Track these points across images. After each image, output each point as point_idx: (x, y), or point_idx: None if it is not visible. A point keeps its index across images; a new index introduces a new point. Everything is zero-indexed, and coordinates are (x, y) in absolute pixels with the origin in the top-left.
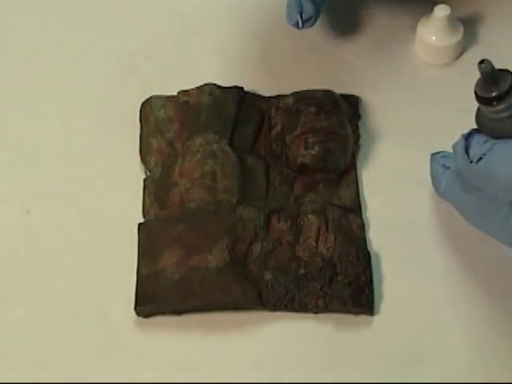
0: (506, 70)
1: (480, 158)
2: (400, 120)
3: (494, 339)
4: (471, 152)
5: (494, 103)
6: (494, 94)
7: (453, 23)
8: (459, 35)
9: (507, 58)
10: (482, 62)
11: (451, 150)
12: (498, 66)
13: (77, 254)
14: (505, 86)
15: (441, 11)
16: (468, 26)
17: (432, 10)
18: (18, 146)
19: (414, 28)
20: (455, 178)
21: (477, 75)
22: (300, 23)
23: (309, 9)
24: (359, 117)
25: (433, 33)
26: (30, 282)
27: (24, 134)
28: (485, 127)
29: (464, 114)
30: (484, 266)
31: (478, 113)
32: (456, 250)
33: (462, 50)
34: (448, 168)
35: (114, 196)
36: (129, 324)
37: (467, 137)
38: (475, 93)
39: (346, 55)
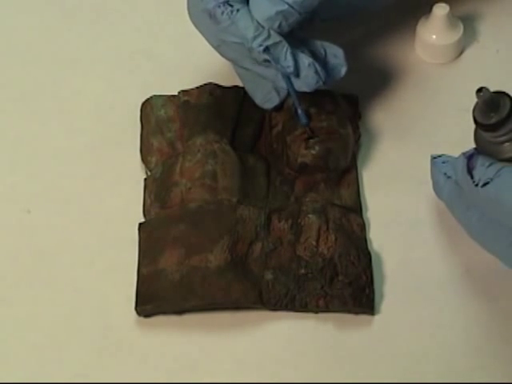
0: (503, 93)
1: (486, 183)
2: (400, 119)
3: (494, 339)
4: (476, 174)
5: (495, 129)
6: (493, 120)
7: (452, 21)
8: (459, 33)
9: (507, 56)
10: (479, 90)
11: (451, 151)
12: (497, 63)
13: (77, 253)
14: (504, 112)
15: (440, 10)
16: (468, 24)
17: (431, 8)
18: (17, 146)
19: (413, 27)
20: (456, 190)
21: (476, 74)
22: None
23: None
24: (359, 116)
25: (433, 31)
26: (30, 282)
27: (24, 134)
28: (483, 149)
29: (464, 112)
30: (484, 266)
31: (476, 134)
32: (456, 250)
33: (462, 48)
34: (449, 177)
35: (114, 196)
36: (129, 324)
37: (469, 157)
38: (474, 119)
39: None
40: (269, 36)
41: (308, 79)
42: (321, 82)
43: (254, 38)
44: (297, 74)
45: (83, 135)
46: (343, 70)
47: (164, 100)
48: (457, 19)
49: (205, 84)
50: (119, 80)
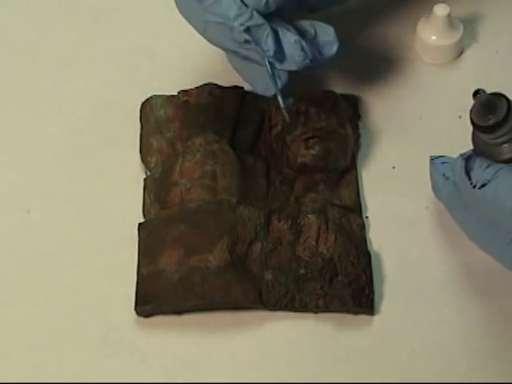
0: (500, 94)
1: (484, 184)
2: (400, 120)
3: (494, 338)
4: (473, 176)
5: (493, 131)
6: (491, 121)
7: (452, 22)
8: (459, 34)
9: (506, 57)
10: (476, 92)
11: (451, 151)
12: (497, 64)
13: (77, 253)
14: (502, 113)
15: (440, 10)
16: (468, 24)
17: (432, 9)
18: (17, 146)
19: (413, 27)
20: (455, 191)
21: (476, 75)
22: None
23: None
24: (359, 116)
25: (433, 32)
26: (30, 282)
27: (24, 134)
28: (481, 150)
29: (464, 113)
30: (483, 266)
31: (474, 135)
32: (455, 250)
33: (461, 49)
34: (448, 178)
35: (114, 196)
36: (129, 324)
37: (467, 158)
38: (471, 121)
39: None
40: (251, 17)
41: (295, 57)
42: (308, 60)
43: (237, 16)
44: (277, 58)
45: (83, 135)
46: (334, 48)
47: (163, 100)
48: (457, 20)
49: (204, 84)
50: (119, 80)
